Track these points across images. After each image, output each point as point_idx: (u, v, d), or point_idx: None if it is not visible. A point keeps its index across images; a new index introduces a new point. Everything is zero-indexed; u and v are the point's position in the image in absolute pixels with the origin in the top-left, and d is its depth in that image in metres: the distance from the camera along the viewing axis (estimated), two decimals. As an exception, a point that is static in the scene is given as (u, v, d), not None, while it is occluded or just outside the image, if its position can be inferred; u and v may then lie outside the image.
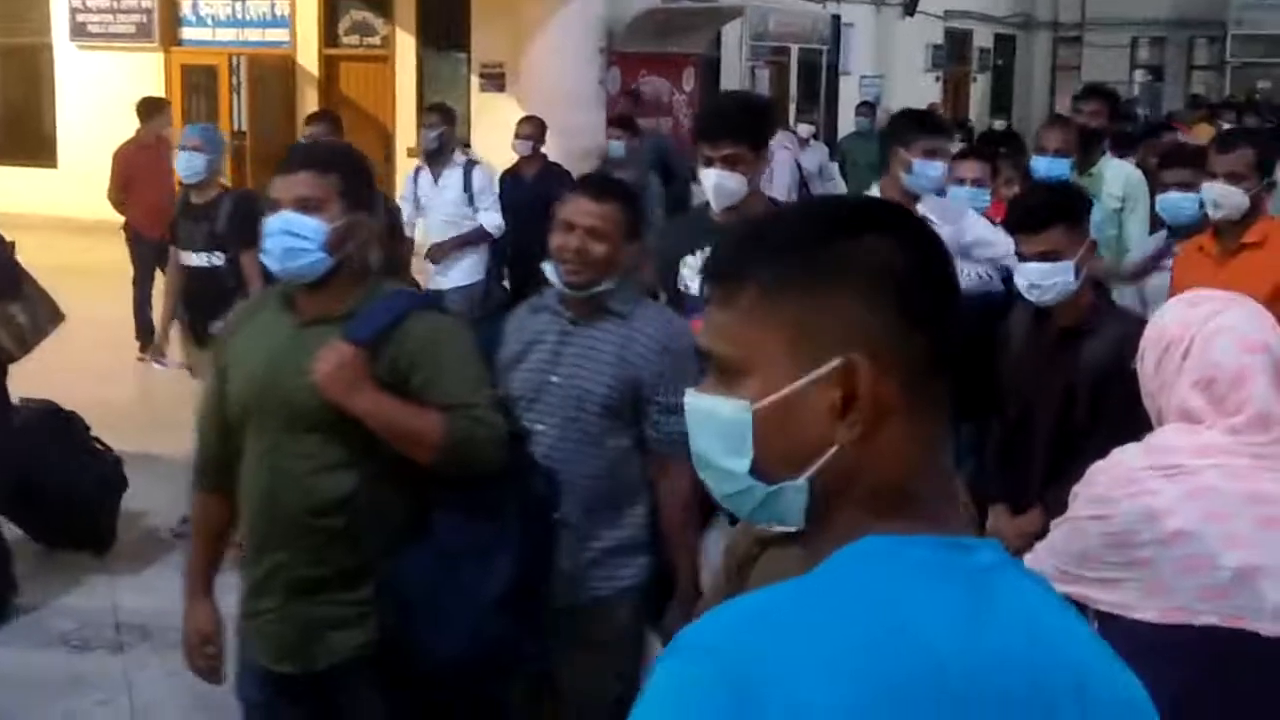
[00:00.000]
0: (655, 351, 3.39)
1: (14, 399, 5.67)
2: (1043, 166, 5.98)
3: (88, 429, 6.27)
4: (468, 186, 8.05)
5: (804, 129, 13.61)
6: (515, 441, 3.06)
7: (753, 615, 1.19)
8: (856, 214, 1.30)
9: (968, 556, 1.22)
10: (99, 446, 6.24)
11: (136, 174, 10.10)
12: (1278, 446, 2.42)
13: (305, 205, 2.90)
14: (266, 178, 3.22)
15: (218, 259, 6.35)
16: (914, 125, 5.07)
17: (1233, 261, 4.61)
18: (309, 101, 16.33)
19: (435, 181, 8.11)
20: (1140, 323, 3.61)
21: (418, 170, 8.31)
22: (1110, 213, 6.22)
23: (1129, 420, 3.43)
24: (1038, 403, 3.79)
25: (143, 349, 9.23)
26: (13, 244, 5.67)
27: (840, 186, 12.92)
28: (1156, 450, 2.49)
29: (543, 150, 9.43)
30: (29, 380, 5.84)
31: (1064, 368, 3.73)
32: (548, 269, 3.43)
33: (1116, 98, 7.45)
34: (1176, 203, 5.23)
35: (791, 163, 12.13)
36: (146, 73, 16.63)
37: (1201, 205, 4.91)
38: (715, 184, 4.02)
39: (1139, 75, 29.83)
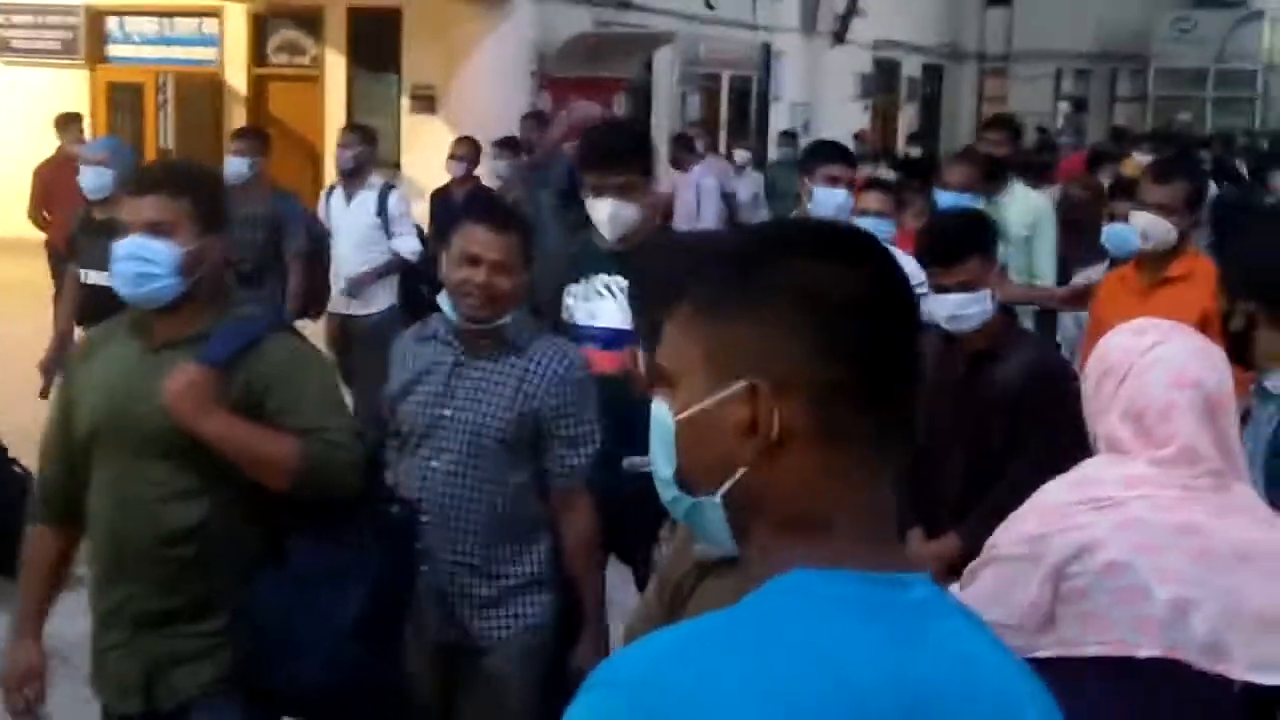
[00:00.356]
0: (554, 384, 3.30)
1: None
2: (947, 201, 5.96)
3: (4, 450, 6.14)
4: (382, 210, 7.79)
5: (740, 155, 13.67)
6: (372, 468, 3.00)
7: (671, 649, 1.18)
8: (798, 237, 1.31)
9: (899, 592, 1.21)
10: (16, 469, 6.11)
11: (56, 191, 9.95)
12: (1206, 479, 2.40)
13: (156, 229, 2.81)
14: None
15: None
16: (817, 152, 5.12)
17: (1155, 295, 4.55)
18: (237, 120, 16.18)
19: (348, 203, 7.86)
20: (1046, 346, 3.68)
21: (330, 190, 8.09)
22: (1019, 240, 6.27)
23: (1043, 444, 3.49)
24: (950, 427, 3.79)
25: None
26: None
27: (766, 216, 12.99)
28: (1084, 483, 2.48)
29: (475, 173, 9.38)
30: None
31: (977, 392, 3.74)
32: (442, 301, 3.34)
33: (1018, 128, 7.65)
34: (1120, 234, 5.15)
35: (717, 191, 12.17)
36: (72, 89, 16.44)
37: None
38: (611, 213, 3.95)
39: (1063, 106, 30.27)
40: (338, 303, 7.79)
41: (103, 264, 6.09)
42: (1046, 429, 3.52)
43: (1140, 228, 4.67)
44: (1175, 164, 5.57)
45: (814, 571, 1.20)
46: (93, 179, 6.47)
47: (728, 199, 12.46)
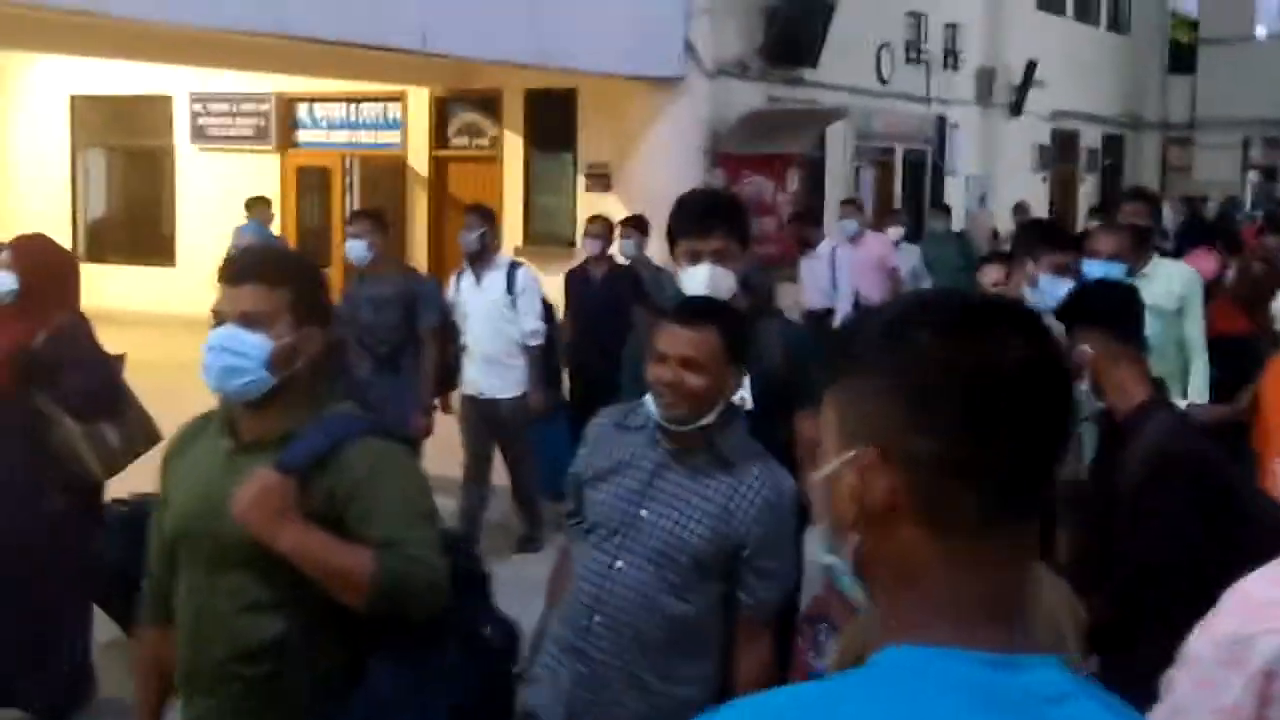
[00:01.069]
0: (761, 509, 3.13)
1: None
2: (1096, 271, 5.62)
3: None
4: (510, 288, 7.87)
5: (894, 231, 13.47)
6: (470, 582, 2.83)
7: (773, 710, 1.19)
8: (934, 307, 1.29)
9: (1012, 674, 1.17)
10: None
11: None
12: None
13: (250, 320, 2.65)
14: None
15: None
16: (1044, 236, 4.88)
17: None
18: (419, 200, 16.66)
19: (478, 283, 7.96)
20: (1173, 431, 3.53)
21: (460, 273, 8.16)
22: (1168, 314, 5.97)
23: (1141, 543, 3.37)
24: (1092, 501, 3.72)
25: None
26: (123, 357, 5.53)
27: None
28: None
29: (610, 252, 9.31)
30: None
31: (1108, 474, 3.61)
32: (648, 401, 3.20)
33: (1157, 200, 7.42)
34: None
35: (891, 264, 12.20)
36: (263, 173, 17.10)
37: None
38: (709, 277, 3.76)
39: (1251, 176, 29.39)
40: (469, 384, 7.90)
41: None
42: (1148, 523, 3.41)
43: None
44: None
45: (922, 649, 1.17)
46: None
47: (891, 273, 12.38)
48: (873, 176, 19.24)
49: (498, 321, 7.86)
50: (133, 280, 17.17)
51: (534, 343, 7.89)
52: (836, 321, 11.05)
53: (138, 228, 18.73)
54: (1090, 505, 3.72)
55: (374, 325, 7.58)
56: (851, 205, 13.36)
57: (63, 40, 12.40)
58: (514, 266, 8.07)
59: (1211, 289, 7.32)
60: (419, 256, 15.62)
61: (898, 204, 19.24)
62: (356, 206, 17.13)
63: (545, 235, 15.61)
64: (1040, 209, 22.09)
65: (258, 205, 11.57)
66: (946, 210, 15.77)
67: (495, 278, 7.93)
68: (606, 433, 3.34)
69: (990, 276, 6.28)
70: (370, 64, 13.35)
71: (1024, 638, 1.22)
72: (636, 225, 9.81)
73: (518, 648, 2.98)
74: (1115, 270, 5.55)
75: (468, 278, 8.02)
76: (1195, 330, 6.15)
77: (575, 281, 9.15)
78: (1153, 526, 3.36)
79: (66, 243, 18.58)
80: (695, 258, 3.82)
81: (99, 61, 15.65)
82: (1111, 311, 3.81)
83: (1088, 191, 26.53)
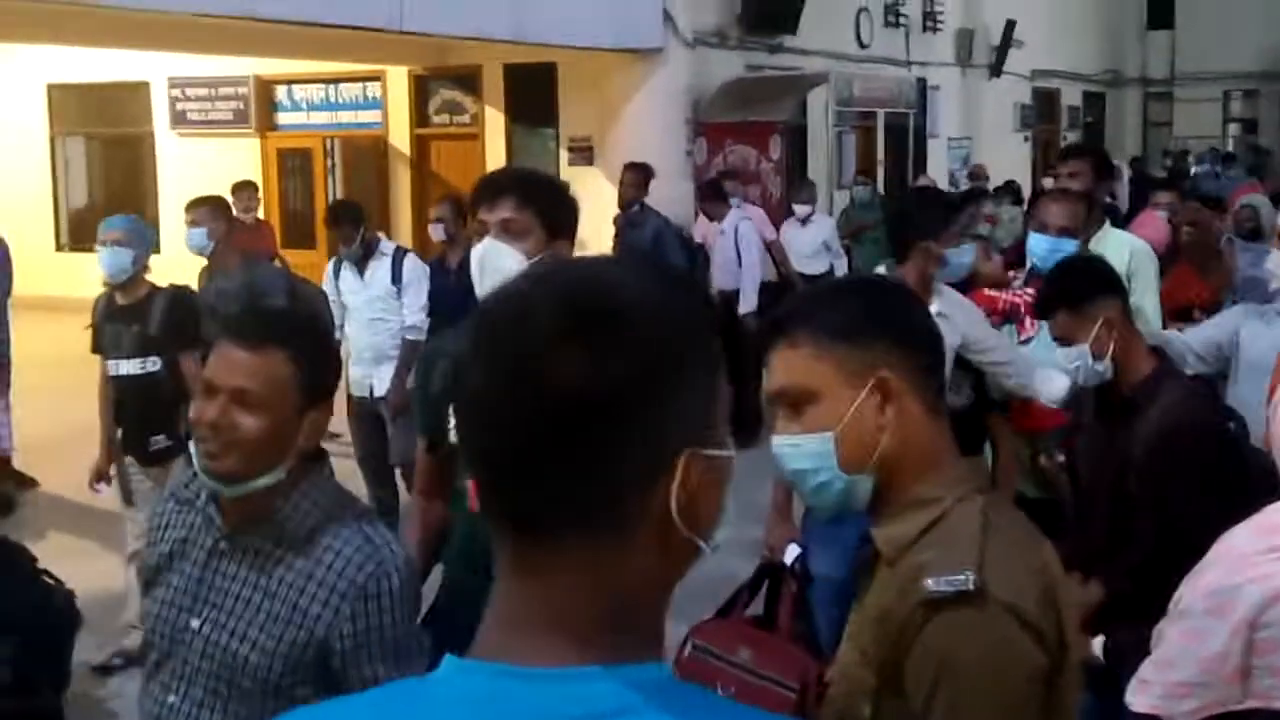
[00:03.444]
0: (346, 598, 2.28)
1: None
2: (1043, 248, 5.13)
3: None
4: (396, 279, 7.46)
5: (800, 209, 12.62)
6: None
7: None
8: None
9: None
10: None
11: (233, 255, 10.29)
12: None
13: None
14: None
15: (153, 365, 5.76)
16: (940, 213, 4.61)
17: None
18: (402, 180, 16.61)
19: (361, 275, 7.51)
20: (1188, 400, 3.53)
21: (338, 263, 7.69)
22: None
23: (1164, 511, 3.38)
24: (1097, 474, 3.73)
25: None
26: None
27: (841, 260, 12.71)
28: (1270, 530, 2.33)
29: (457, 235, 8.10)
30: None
31: (1116, 443, 3.60)
32: (192, 449, 2.37)
33: (1102, 155, 6.33)
34: None
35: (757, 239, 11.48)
36: (244, 157, 17.03)
37: None
38: (481, 252, 3.10)
39: (1232, 129, 29.41)
40: (356, 384, 7.47)
41: (130, 352, 5.73)
42: (1166, 497, 3.42)
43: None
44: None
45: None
46: (111, 260, 5.76)
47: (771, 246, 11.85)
48: (855, 141, 19.22)
49: (384, 314, 7.44)
50: (117, 268, 17.07)
51: (412, 337, 7.32)
52: (743, 309, 10.44)
53: (120, 214, 18.61)
54: (1096, 476, 3.73)
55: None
56: (734, 180, 12.75)
57: (37, 29, 12.32)
58: (400, 254, 7.62)
59: (1167, 258, 6.81)
60: (403, 236, 15.57)
61: (880, 167, 19.25)
62: (340, 187, 17.11)
63: (529, 211, 15.54)
64: (1024, 168, 22.10)
65: (242, 190, 11.43)
66: (865, 177, 15.38)
67: (379, 267, 7.50)
68: (168, 511, 2.50)
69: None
70: (347, 44, 13.30)
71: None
72: (452, 205, 8.41)
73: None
74: (1066, 246, 5.02)
75: (349, 269, 7.56)
76: (1149, 303, 5.49)
77: (434, 273, 7.86)
78: (1174, 495, 3.37)
79: (48, 232, 18.62)
80: (484, 231, 3.10)
81: (75, 49, 15.55)
82: (1118, 280, 3.83)
83: (1070, 150, 26.53)
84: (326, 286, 7.73)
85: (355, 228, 7.52)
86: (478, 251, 3.08)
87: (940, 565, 1.80)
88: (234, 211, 9.82)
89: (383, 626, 2.28)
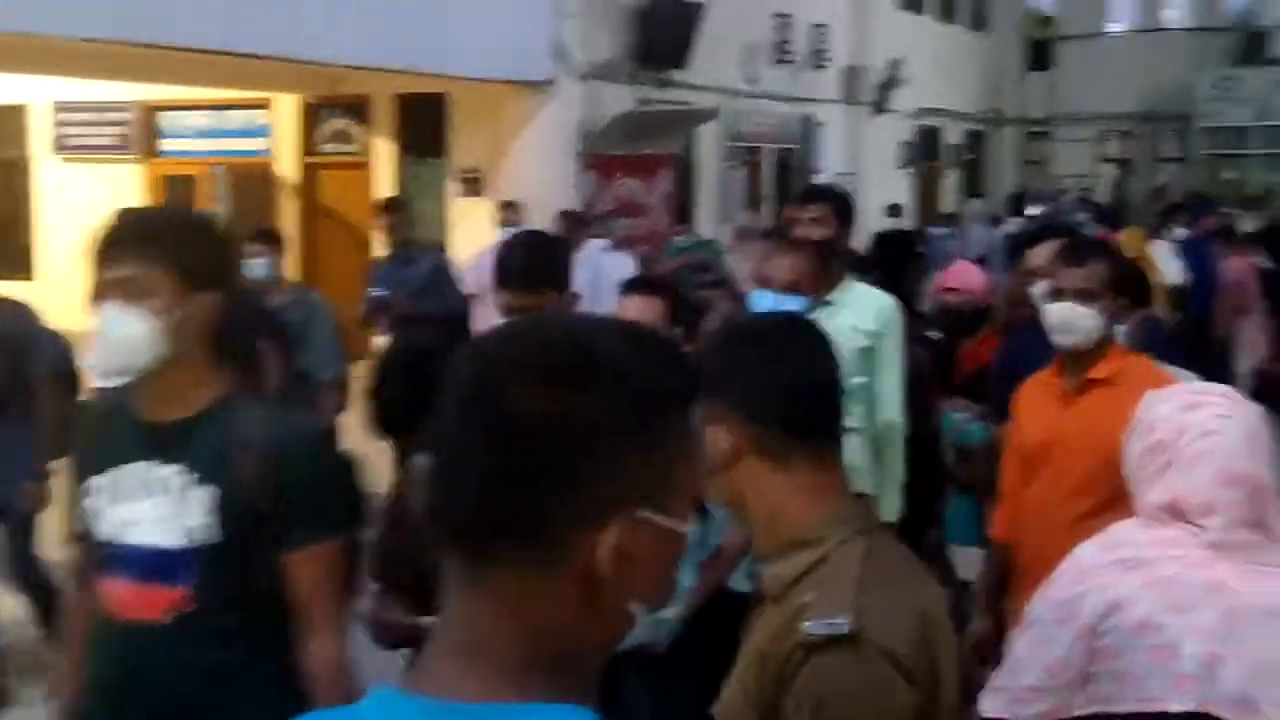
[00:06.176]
0: None
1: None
2: (766, 304, 4.34)
3: None
4: None
5: (594, 243, 10.93)
6: None
7: None
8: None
9: None
10: None
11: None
12: (1235, 534, 2.41)
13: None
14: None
15: None
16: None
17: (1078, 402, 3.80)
18: (289, 208, 16.44)
19: None
20: None
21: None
22: (857, 351, 4.58)
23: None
24: None
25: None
26: None
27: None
28: (1113, 545, 2.49)
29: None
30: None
31: None
32: None
33: (845, 200, 5.26)
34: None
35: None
36: (126, 184, 16.74)
37: None
38: (105, 321, 2.59)
39: (1106, 168, 30.20)
40: None
41: None
42: None
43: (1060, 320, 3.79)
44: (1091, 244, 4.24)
45: None
46: None
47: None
48: (743, 176, 19.42)
49: None
50: (-8, 295, 16.67)
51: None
52: None
53: (-5, 241, 18.23)
54: None
55: None
56: (511, 208, 12.01)
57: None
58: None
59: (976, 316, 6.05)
60: (290, 264, 15.40)
61: (766, 202, 19.46)
62: (225, 214, 16.86)
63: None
64: (905, 204, 22.49)
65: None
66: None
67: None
68: None
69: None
70: (236, 71, 13.14)
71: None
72: (266, 240, 7.46)
73: None
74: (790, 304, 4.21)
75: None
76: (891, 383, 4.75)
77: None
78: None
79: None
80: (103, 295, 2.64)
81: (-49, 71, 15.19)
82: None
83: (950, 186, 27.07)
84: None
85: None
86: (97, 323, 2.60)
87: (819, 607, 1.84)
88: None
89: None
